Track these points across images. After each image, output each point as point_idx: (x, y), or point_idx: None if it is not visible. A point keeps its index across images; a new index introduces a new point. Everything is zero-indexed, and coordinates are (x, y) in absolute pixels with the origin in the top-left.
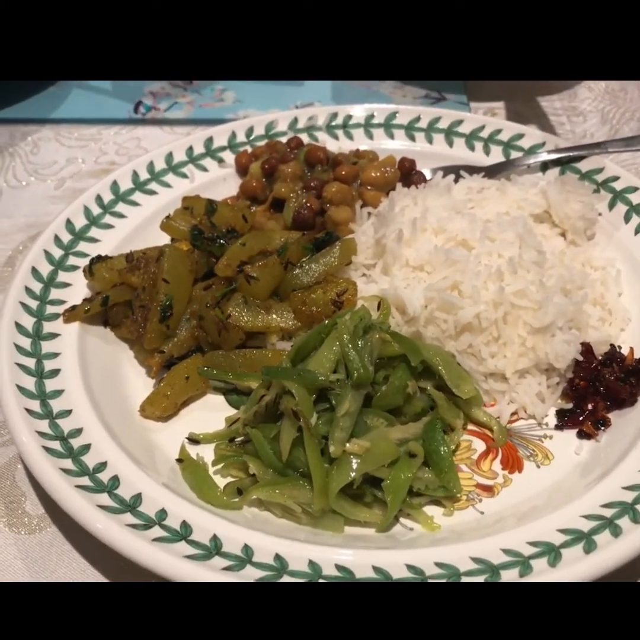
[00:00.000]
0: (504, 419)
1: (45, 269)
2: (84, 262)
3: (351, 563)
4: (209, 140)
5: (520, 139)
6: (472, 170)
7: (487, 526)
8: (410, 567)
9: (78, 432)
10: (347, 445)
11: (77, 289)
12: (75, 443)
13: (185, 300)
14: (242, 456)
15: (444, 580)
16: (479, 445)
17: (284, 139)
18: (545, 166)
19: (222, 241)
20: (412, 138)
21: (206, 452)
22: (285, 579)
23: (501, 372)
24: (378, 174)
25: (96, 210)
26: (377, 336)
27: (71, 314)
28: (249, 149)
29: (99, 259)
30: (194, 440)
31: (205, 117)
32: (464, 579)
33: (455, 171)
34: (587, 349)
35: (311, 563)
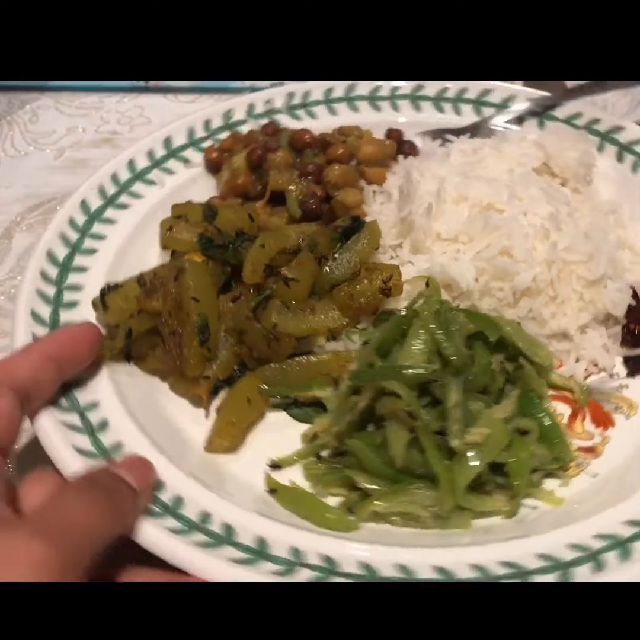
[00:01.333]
0: (578, 378)
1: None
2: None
3: (483, 560)
4: (168, 140)
5: (489, 95)
6: (454, 132)
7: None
8: (542, 557)
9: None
10: (466, 436)
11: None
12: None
13: (217, 317)
14: (343, 471)
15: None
16: (563, 410)
17: (244, 128)
18: (520, 119)
19: (235, 246)
20: (378, 108)
21: (287, 475)
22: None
23: (563, 331)
24: (376, 149)
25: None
26: (462, 317)
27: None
28: (212, 143)
29: (109, 289)
30: (276, 465)
31: (212, 85)
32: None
33: (439, 135)
34: (635, 292)
35: (439, 569)
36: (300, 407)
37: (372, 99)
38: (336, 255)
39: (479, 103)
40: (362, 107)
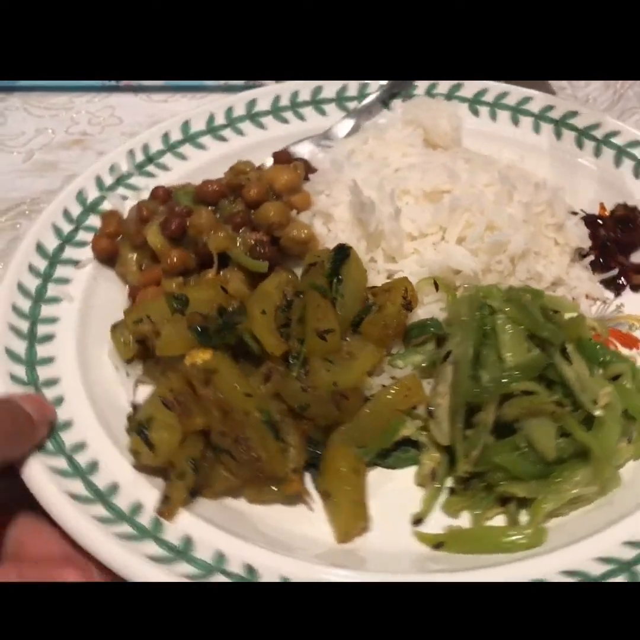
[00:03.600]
0: (589, 314)
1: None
2: None
3: None
4: (39, 247)
5: (322, 92)
6: (326, 136)
7: None
8: None
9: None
10: (600, 401)
11: None
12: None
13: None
14: (493, 491)
15: None
16: None
17: (106, 205)
18: (385, 103)
19: (230, 325)
20: (223, 139)
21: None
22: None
23: (556, 278)
24: (292, 176)
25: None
26: (529, 296)
27: (169, 508)
28: (84, 234)
29: (143, 426)
30: (419, 520)
31: (185, 83)
32: None
33: (317, 142)
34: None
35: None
36: (388, 456)
37: (212, 130)
38: (340, 291)
39: (327, 102)
40: (208, 142)
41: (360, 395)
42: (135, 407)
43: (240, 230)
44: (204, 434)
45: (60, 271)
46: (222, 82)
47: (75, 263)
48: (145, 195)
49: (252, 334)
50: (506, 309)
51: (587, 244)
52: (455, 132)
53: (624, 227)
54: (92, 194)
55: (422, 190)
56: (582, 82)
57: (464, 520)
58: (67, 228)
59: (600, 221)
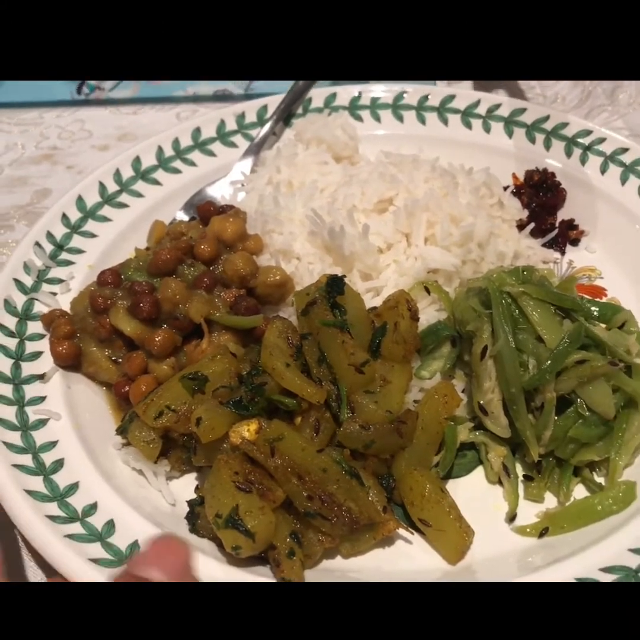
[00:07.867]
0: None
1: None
2: None
3: None
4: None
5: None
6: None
7: None
8: None
9: None
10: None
11: None
12: None
13: None
14: (565, 466)
15: None
16: None
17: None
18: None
19: (257, 387)
20: (121, 207)
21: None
22: None
23: (517, 251)
24: (237, 224)
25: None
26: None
27: None
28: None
29: (232, 518)
30: (513, 517)
31: (153, 96)
32: None
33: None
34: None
35: None
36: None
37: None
38: (347, 321)
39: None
40: (99, 229)
41: (414, 416)
42: (192, 505)
43: (211, 293)
44: (284, 505)
45: (31, 391)
46: (190, 93)
47: (41, 377)
48: (76, 284)
49: (282, 390)
50: (525, 291)
51: (524, 214)
52: (353, 141)
53: (544, 190)
54: (20, 300)
55: (370, 202)
56: (551, 81)
57: (547, 502)
58: (11, 343)
59: (521, 190)
